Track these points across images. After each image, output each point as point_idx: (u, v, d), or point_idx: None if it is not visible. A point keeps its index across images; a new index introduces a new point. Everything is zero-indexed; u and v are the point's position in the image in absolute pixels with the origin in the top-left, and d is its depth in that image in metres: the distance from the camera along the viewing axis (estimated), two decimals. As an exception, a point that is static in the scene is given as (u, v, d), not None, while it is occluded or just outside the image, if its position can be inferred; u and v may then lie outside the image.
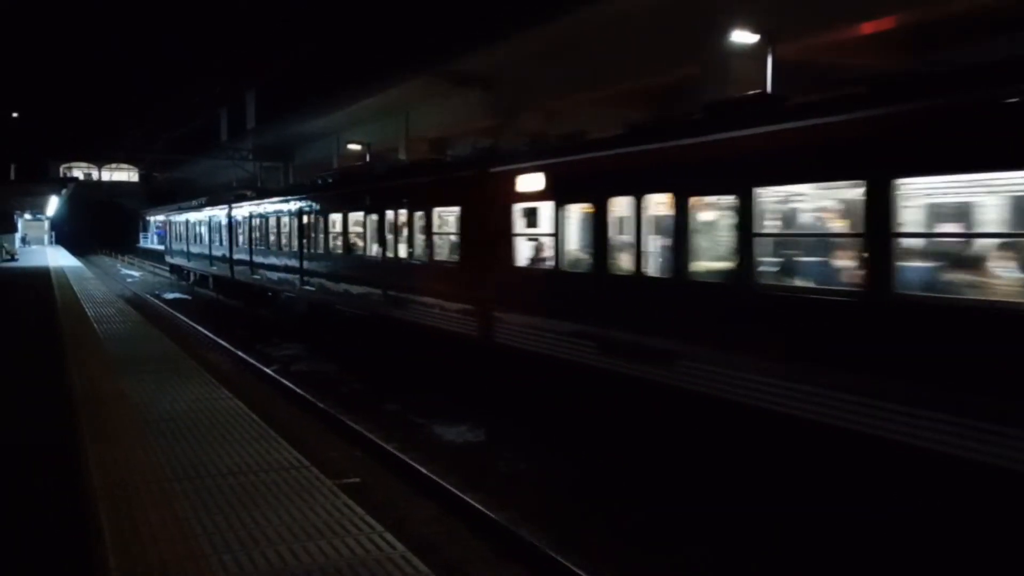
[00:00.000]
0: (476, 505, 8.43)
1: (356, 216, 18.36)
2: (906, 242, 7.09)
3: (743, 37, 19.84)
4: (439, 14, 37.68)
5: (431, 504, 8.79)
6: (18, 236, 57.81)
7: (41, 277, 30.20)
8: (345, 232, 18.89)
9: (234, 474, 6.41)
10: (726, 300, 8.58)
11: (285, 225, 23.18)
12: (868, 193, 7.04)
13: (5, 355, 12.75)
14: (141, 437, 7.52)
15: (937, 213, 7.97)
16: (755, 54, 19.95)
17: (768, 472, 8.07)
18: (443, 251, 14.71)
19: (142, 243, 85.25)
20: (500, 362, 12.53)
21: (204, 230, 33.72)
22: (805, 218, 8.86)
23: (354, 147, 42.11)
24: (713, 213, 9.15)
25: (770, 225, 8.63)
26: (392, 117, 41.02)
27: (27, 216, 64.73)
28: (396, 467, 9.98)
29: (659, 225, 9.79)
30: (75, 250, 60.35)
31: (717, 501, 8.30)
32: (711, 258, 9.06)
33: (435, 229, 14.69)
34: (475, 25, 30.45)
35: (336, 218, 19.52)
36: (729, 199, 8.53)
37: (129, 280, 43.99)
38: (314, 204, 20.84)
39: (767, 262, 8.61)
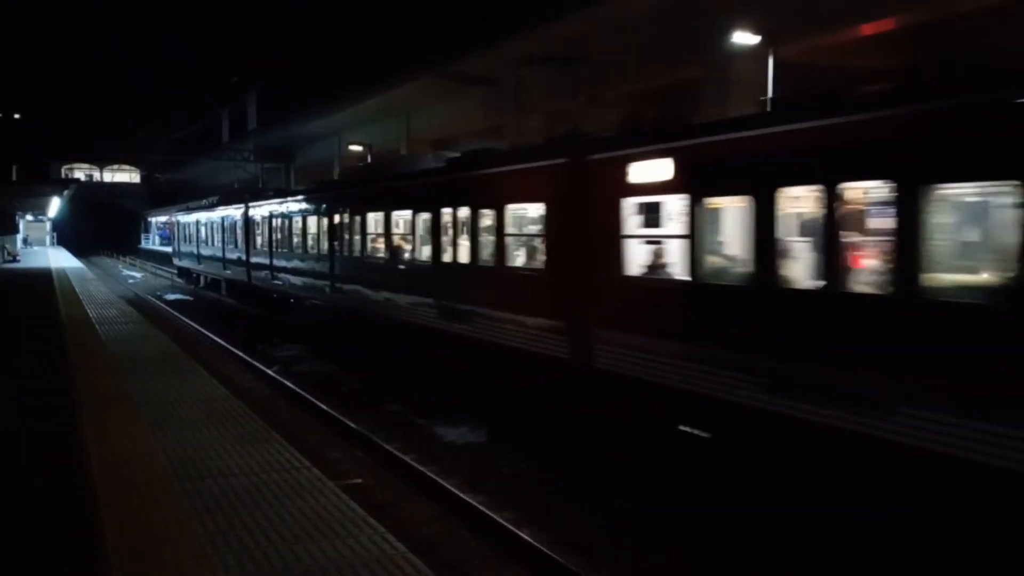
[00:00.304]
0: (477, 505, 8.43)
1: (402, 215, 16.14)
2: None
3: (744, 38, 19.85)
4: (441, 15, 37.72)
5: (432, 504, 8.80)
6: (20, 237, 57.87)
7: (43, 278, 30.23)
8: (388, 233, 16.48)
9: (236, 475, 6.42)
10: (1001, 329, 6.09)
11: (312, 226, 20.93)
12: None
13: (7, 356, 12.77)
14: (143, 438, 7.54)
15: None
16: (757, 55, 19.96)
17: (767, 473, 8.07)
18: (518, 255, 12.50)
19: (143, 244, 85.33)
20: (598, 390, 10.38)
21: (217, 231, 31.50)
22: None
23: (355, 148, 42.13)
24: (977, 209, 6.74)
25: None
26: (393, 118, 41.08)
27: (29, 217, 64.79)
28: (397, 468, 9.99)
29: (865, 224, 7.56)
30: (76, 251, 60.37)
31: (717, 502, 8.30)
32: (967, 269, 6.93)
33: (508, 230, 12.29)
34: (477, 26, 30.49)
35: (376, 217, 17.12)
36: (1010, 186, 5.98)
37: (130, 281, 44.01)
38: (348, 202, 18.51)
39: None
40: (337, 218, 19.04)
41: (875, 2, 18.86)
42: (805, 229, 8.23)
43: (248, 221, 26.86)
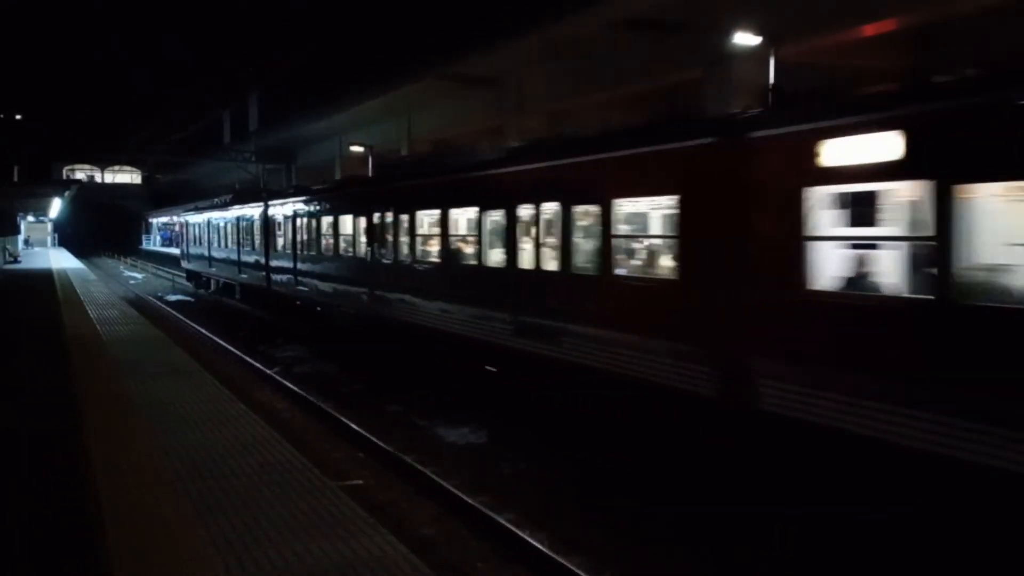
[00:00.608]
0: (477, 506, 8.44)
1: (464, 214, 14.14)
2: None
3: (746, 39, 19.84)
4: (442, 15, 37.74)
5: (433, 505, 8.81)
6: (21, 238, 57.91)
7: (44, 279, 30.26)
8: (444, 234, 14.29)
9: (237, 475, 6.43)
10: None
11: (347, 226, 18.95)
12: None
13: (9, 358, 12.78)
14: (145, 438, 7.55)
15: None
16: (758, 56, 19.94)
17: (767, 474, 8.07)
18: (632, 261, 10.39)
19: (144, 245, 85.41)
20: (764, 439, 8.16)
21: (231, 232, 29.32)
22: None
23: (356, 149, 42.15)
24: None
25: None
26: (394, 119, 41.06)
27: (30, 218, 64.86)
28: (398, 468, 10.00)
29: None
30: (77, 252, 60.43)
31: (717, 502, 8.30)
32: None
33: (617, 230, 10.15)
34: (478, 27, 30.49)
35: (429, 216, 15.05)
36: None
37: (132, 282, 44.04)
38: (393, 199, 16.34)
39: None
40: (378, 217, 16.88)
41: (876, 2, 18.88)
42: None
43: (268, 221, 24.78)
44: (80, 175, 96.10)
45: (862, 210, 7.76)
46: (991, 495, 6.22)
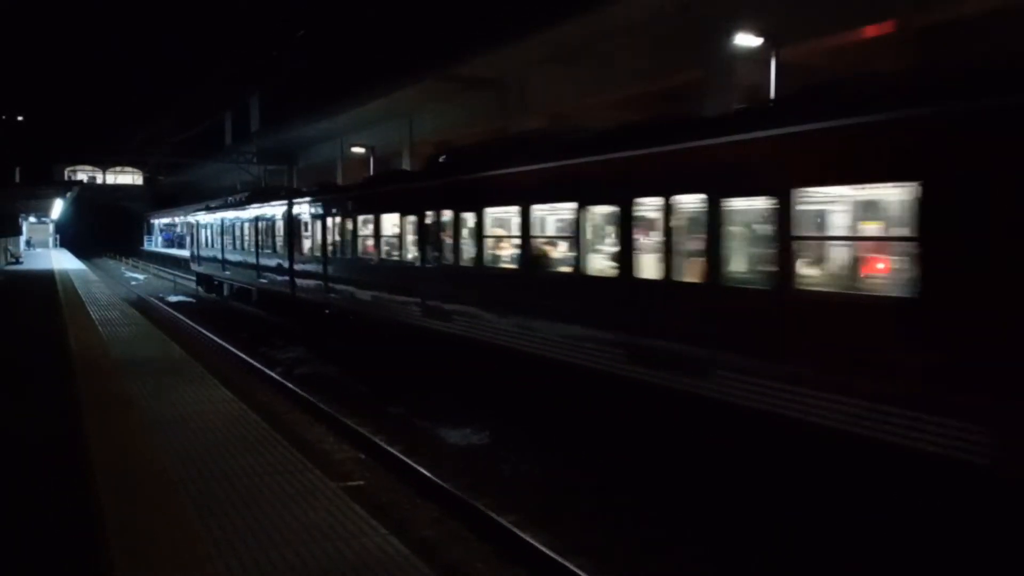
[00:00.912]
0: (479, 507, 8.43)
1: (558, 211, 11.93)
2: None
3: (747, 40, 19.84)
4: (443, 17, 37.78)
5: (434, 506, 8.81)
6: (23, 239, 57.96)
7: (45, 280, 30.28)
8: (525, 236, 11.89)
9: (238, 476, 6.43)
10: None
11: (391, 227, 16.70)
12: None
13: (11, 359, 12.78)
14: (147, 440, 7.55)
15: None
16: (760, 57, 19.94)
17: (766, 474, 8.05)
18: (826, 270, 8.08)
19: (146, 246, 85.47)
20: None
21: (248, 233, 27.34)
22: None
23: (358, 150, 42.18)
24: None
25: None
26: (396, 121, 41.10)
27: (32, 219, 64.90)
28: (400, 470, 9.99)
29: None
30: (79, 253, 60.49)
31: (717, 502, 8.29)
32: None
33: (800, 229, 7.75)
34: (480, 28, 30.52)
35: (505, 215, 12.83)
36: None
37: (133, 283, 44.06)
38: (455, 197, 13.98)
39: None
40: (430, 219, 14.73)
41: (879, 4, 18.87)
42: None
43: (292, 221, 22.76)
44: (82, 176, 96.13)
45: None
46: None
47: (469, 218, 13.50)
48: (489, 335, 12.77)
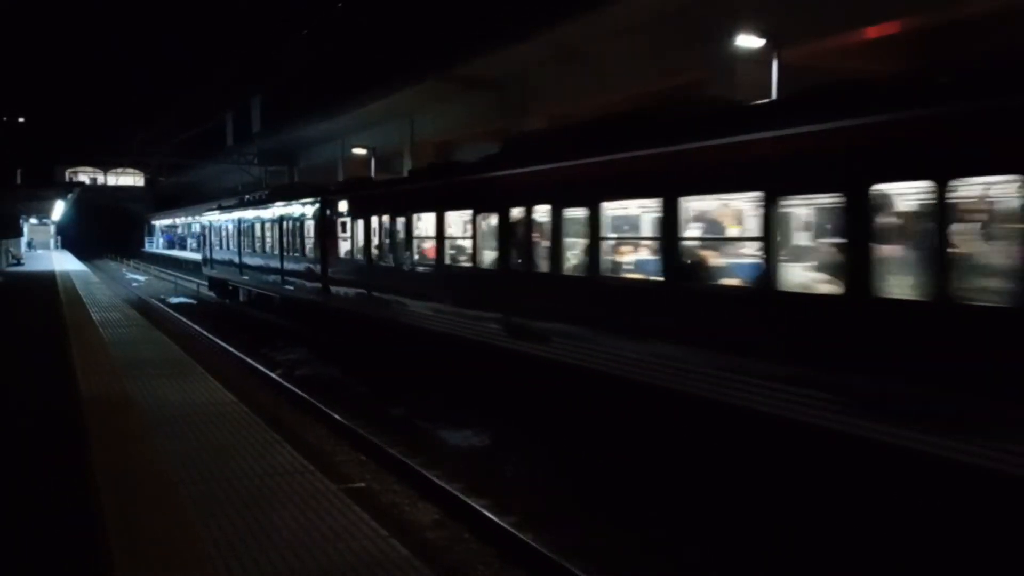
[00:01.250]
0: (480, 509, 8.41)
1: (700, 204, 9.30)
2: None
3: (749, 41, 19.82)
4: (444, 17, 37.77)
5: (435, 508, 8.78)
6: (24, 240, 57.98)
7: (46, 281, 30.27)
8: (669, 236, 9.17)
9: (239, 478, 6.41)
10: None
11: (456, 226, 14.34)
12: None
13: (12, 359, 12.77)
14: (147, 441, 7.53)
15: None
16: (761, 58, 19.93)
17: (767, 475, 8.03)
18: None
19: (147, 247, 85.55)
20: None
21: (270, 235, 24.74)
22: None
23: (359, 151, 42.21)
24: None
25: None
26: (397, 121, 41.12)
27: (33, 220, 64.95)
28: (401, 471, 9.97)
29: None
30: (80, 254, 60.50)
31: (717, 502, 8.27)
32: None
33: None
34: (481, 28, 30.53)
35: (641, 211, 10.56)
36: None
37: (134, 284, 44.09)
38: (559, 188, 11.11)
39: None
40: (511, 218, 12.15)
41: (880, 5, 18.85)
42: None
43: (326, 222, 20.01)
44: (83, 177, 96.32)
45: None
46: None
47: (590, 217, 10.30)
48: (635, 372, 9.61)
